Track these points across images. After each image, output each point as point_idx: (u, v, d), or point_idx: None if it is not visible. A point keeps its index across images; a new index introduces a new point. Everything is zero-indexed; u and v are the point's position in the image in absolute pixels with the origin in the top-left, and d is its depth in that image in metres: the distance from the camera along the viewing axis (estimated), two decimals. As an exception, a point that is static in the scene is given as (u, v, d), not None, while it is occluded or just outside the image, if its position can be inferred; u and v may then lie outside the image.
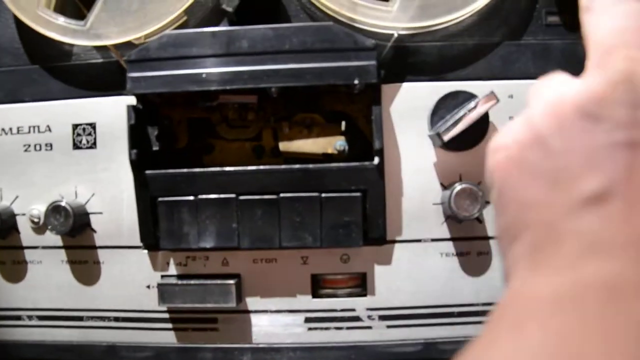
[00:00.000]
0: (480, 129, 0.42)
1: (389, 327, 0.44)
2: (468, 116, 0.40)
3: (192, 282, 0.43)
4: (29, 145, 0.45)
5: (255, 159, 0.45)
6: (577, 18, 0.41)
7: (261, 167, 0.41)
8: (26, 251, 0.45)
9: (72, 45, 0.44)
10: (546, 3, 0.43)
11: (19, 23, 0.44)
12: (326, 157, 0.44)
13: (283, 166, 0.41)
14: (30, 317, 0.46)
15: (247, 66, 0.40)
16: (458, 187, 0.41)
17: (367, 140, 0.44)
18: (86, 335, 0.45)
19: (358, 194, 0.41)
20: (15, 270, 0.46)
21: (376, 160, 0.41)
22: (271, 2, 0.43)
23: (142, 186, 0.42)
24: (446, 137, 0.40)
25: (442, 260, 0.43)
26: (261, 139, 0.45)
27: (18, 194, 0.45)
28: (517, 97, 0.43)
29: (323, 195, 0.41)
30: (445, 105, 0.42)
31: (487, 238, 0.43)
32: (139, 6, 0.42)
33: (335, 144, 0.44)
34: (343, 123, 0.43)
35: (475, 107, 0.40)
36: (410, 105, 0.43)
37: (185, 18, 0.44)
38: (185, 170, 0.42)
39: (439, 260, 0.43)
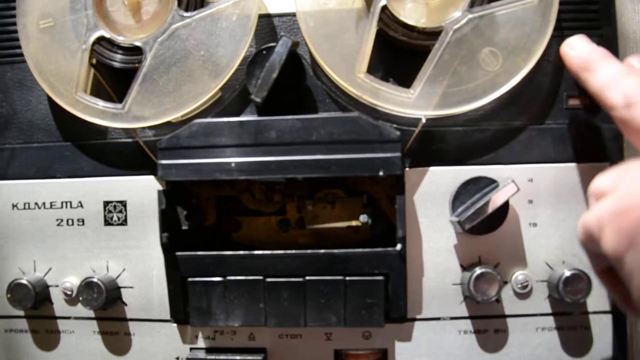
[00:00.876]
0: (500, 215, 0.43)
1: (408, 401, 0.45)
2: (489, 206, 0.42)
3: (221, 357, 0.44)
4: (62, 220, 0.46)
5: (281, 232, 0.46)
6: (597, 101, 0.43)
7: (288, 251, 0.43)
8: (59, 321, 0.47)
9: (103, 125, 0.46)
10: (568, 87, 0.45)
11: (52, 101, 0.46)
12: (350, 230, 0.45)
13: (309, 251, 0.43)
14: (62, 384, 0.48)
15: (275, 156, 0.41)
16: (478, 271, 0.43)
17: (389, 218, 0.45)
18: (116, 402, 0.47)
19: (381, 277, 0.43)
20: (48, 339, 0.47)
21: (399, 246, 0.42)
22: (297, 90, 0.44)
23: (173, 267, 0.44)
24: (467, 226, 0.42)
25: (460, 337, 0.45)
26: (285, 212, 0.46)
27: (51, 266, 0.47)
28: (537, 180, 0.44)
29: (347, 278, 0.43)
30: (467, 191, 0.44)
31: (505, 316, 0.45)
32: (175, 87, 0.43)
33: (360, 217, 0.45)
34: (365, 196, 0.45)
35: (495, 197, 0.42)
36: (432, 189, 0.44)
37: (220, 95, 0.45)
38: (214, 252, 0.43)
39: (457, 338, 0.45)
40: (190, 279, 0.43)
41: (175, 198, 0.44)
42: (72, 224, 0.46)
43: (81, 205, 0.46)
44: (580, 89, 0.44)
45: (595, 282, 0.42)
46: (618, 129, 0.41)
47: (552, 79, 0.44)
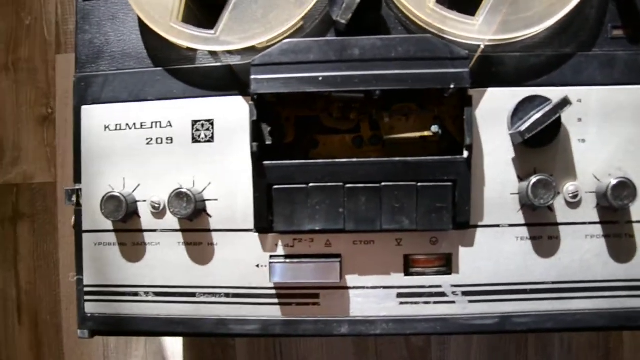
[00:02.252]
0: (553, 129, 0.48)
1: (470, 302, 0.50)
2: (546, 117, 0.47)
3: (301, 260, 0.48)
4: (151, 139, 0.50)
5: (355, 149, 0.51)
6: (638, 31, 0.48)
7: (365, 159, 0.47)
8: (145, 234, 0.51)
9: (191, 50, 0.50)
10: (611, 18, 0.50)
11: (143, 29, 0.50)
12: (423, 140, 0.50)
13: (385, 158, 0.47)
14: (147, 294, 0.51)
15: (358, 71, 0.46)
16: (534, 178, 0.47)
17: (454, 139, 0.50)
18: (198, 310, 0.51)
19: (449, 183, 0.47)
20: (135, 251, 0.51)
21: (465, 154, 0.47)
22: (374, 17, 0.49)
23: (260, 175, 0.48)
24: (527, 135, 0.47)
25: (517, 243, 0.49)
26: (360, 130, 0.51)
27: (140, 183, 0.51)
28: (585, 101, 0.49)
29: (419, 184, 0.47)
30: (524, 108, 0.49)
31: (557, 224, 0.49)
32: (263, 14, 0.48)
33: (432, 127, 0.49)
34: (436, 109, 0.50)
35: (552, 109, 0.47)
36: (493, 107, 0.49)
37: (302, 24, 0.50)
38: (298, 161, 0.47)
39: (514, 244, 0.49)
40: (275, 186, 0.47)
41: (263, 115, 0.49)
42: (161, 143, 0.50)
43: (170, 125, 0.50)
44: (623, 20, 0.50)
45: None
46: None
47: (598, 11, 0.50)
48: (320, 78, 0.46)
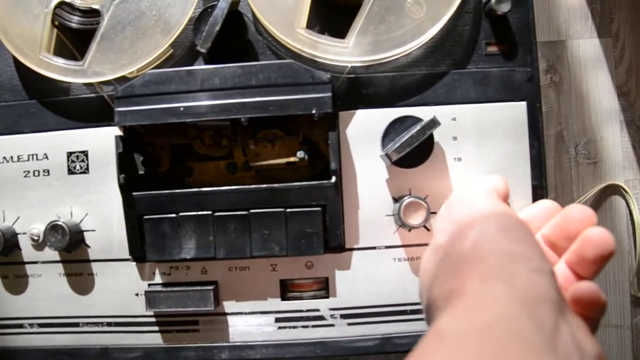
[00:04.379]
0: (426, 149, 0.48)
1: (349, 324, 0.49)
2: (414, 139, 0.46)
3: (175, 289, 0.48)
4: (29, 172, 0.51)
5: (230, 175, 0.50)
6: (513, 48, 0.48)
7: (233, 187, 0.47)
8: (27, 266, 0.51)
9: (66, 82, 0.50)
10: (485, 35, 0.50)
11: (17, 61, 0.50)
12: (291, 170, 0.50)
13: (253, 186, 0.47)
14: (31, 325, 0.51)
15: (219, 100, 0.46)
16: (406, 200, 0.47)
17: (327, 159, 0.50)
18: (82, 340, 0.51)
19: (318, 208, 0.47)
20: (17, 284, 0.51)
21: (333, 179, 0.47)
22: (240, 43, 0.49)
23: (130, 206, 0.48)
24: (395, 158, 0.46)
25: (395, 264, 0.49)
26: (233, 156, 0.50)
27: (19, 215, 0.51)
28: (460, 119, 0.49)
29: (288, 210, 0.47)
30: (395, 129, 0.48)
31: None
32: (130, 44, 0.48)
33: (297, 153, 0.49)
34: (301, 135, 0.49)
35: (420, 130, 0.46)
36: (365, 128, 0.49)
37: (171, 51, 0.50)
38: (167, 191, 0.47)
39: (392, 265, 0.49)
40: (145, 217, 0.47)
41: (133, 145, 0.49)
42: (38, 175, 0.50)
43: (46, 157, 0.50)
44: (497, 36, 0.50)
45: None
46: (531, 72, 0.47)
47: (472, 28, 0.50)
48: (182, 108, 0.46)
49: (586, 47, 0.83)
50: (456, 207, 0.43)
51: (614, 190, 0.83)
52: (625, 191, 0.81)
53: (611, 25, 0.83)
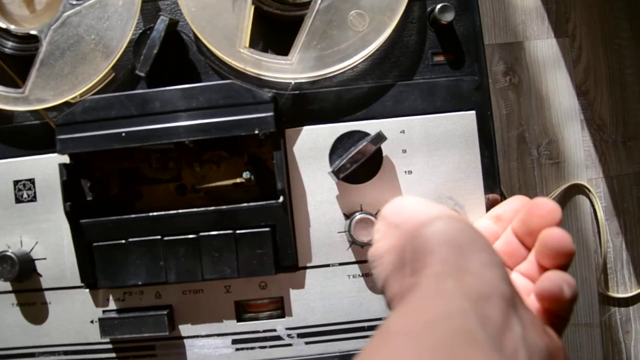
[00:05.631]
0: (374, 164, 0.47)
1: (307, 343, 0.49)
2: (360, 155, 0.46)
3: (129, 315, 0.48)
4: (-24, 202, 0.50)
5: (179, 197, 0.50)
6: (459, 57, 0.48)
7: (181, 210, 0.47)
8: (-21, 297, 0.50)
9: (10, 110, 0.49)
10: (432, 45, 0.49)
11: (-39, 92, 0.49)
12: (241, 190, 0.49)
13: (201, 208, 0.47)
14: (-12, 356, 0.51)
15: (161, 124, 0.45)
16: (357, 216, 0.47)
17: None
18: (40, 369, 0.50)
19: (267, 229, 0.46)
20: (-28, 314, 0.51)
21: (281, 199, 0.46)
22: (182, 64, 0.48)
23: (78, 234, 0.47)
24: (341, 175, 0.46)
25: (349, 281, 0.49)
26: (182, 178, 0.50)
27: (-31, 246, 0.50)
28: (409, 132, 0.48)
29: (237, 232, 0.46)
30: (342, 145, 0.48)
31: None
32: (70, 70, 0.47)
33: (243, 174, 0.49)
34: (245, 155, 0.49)
35: (364, 145, 0.46)
36: (313, 145, 0.48)
37: (113, 74, 0.49)
38: (115, 217, 0.47)
39: (347, 281, 0.49)
40: (95, 244, 0.47)
41: (79, 171, 0.48)
42: (-14, 205, 0.50)
43: (-7, 186, 0.50)
44: (443, 46, 0.49)
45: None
46: (480, 81, 0.46)
47: (418, 38, 0.49)
48: (124, 134, 0.46)
49: (544, 48, 0.82)
50: (400, 211, 0.41)
51: (578, 189, 0.82)
52: (589, 190, 0.81)
53: (567, 25, 0.82)
